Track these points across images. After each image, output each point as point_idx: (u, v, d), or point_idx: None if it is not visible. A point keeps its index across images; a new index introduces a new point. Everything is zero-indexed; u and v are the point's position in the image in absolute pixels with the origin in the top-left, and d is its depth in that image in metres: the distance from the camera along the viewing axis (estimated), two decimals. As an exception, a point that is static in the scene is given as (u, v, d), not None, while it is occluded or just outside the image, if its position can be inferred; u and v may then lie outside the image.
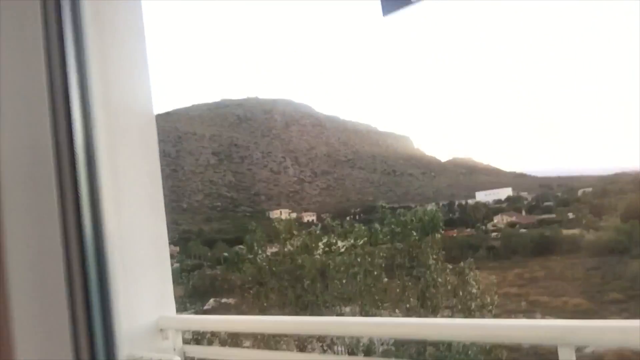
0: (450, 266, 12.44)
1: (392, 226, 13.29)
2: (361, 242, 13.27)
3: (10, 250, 1.40)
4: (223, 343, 9.75)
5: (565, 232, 29.07)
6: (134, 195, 1.84)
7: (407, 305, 12.20)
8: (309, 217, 48.17)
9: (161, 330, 1.89)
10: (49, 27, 1.55)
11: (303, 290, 12.51)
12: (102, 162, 1.69)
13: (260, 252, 13.83)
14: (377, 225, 14.13)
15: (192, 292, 21.93)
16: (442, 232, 13.68)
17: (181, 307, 18.17)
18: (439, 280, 12.23)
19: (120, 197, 1.76)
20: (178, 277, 24.19)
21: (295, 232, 13.56)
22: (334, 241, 13.54)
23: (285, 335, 10.44)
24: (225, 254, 27.40)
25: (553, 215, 39.87)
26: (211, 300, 19.84)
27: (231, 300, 17.70)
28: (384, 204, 15.18)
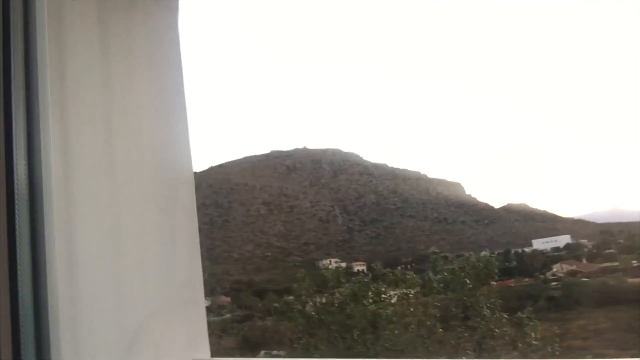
0: (506, 316, 11.84)
1: (445, 274, 12.88)
2: (413, 291, 12.90)
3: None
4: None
5: (630, 280, 27.64)
6: (169, 245, 1.86)
7: (464, 358, 11.62)
8: (359, 266, 47.55)
9: (195, 373, 1.83)
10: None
11: (353, 341, 12.17)
12: (132, 218, 1.72)
13: (309, 301, 13.65)
14: (429, 274, 13.74)
15: (243, 344, 21.80)
16: (498, 280, 13.14)
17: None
18: (497, 331, 11.64)
19: (154, 247, 1.79)
20: (229, 327, 24.16)
21: (343, 281, 13.34)
22: (384, 290, 13.21)
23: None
24: (276, 305, 27.26)
25: (616, 263, 37.88)
26: (262, 353, 19.61)
27: (282, 353, 17.44)
28: (435, 250, 14.80)
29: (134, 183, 1.81)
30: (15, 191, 1.49)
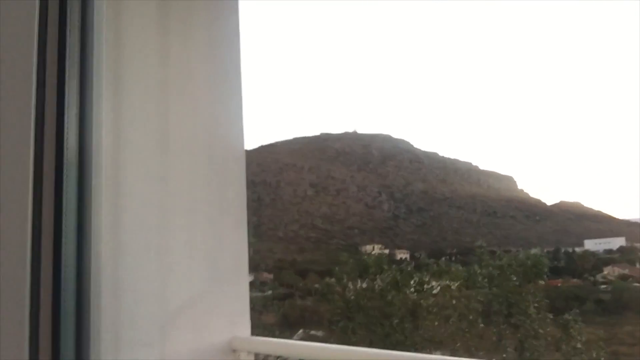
0: (551, 316, 11.50)
1: (491, 269, 12.59)
2: (457, 284, 12.70)
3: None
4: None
5: (685, 287, 26.37)
6: (217, 221, 1.88)
7: (504, 355, 11.39)
8: (402, 254, 47.21)
9: (234, 351, 1.85)
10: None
11: (392, 328, 12.13)
12: (185, 192, 1.76)
13: (350, 285, 13.68)
14: (474, 268, 13.48)
15: (282, 321, 22.13)
16: (546, 279, 12.75)
17: (270, 335, 18.33)
18: (540, 331, 11.33)
19: (202, 223, 1.81)
20: (270, 304, 24.58)
21: (385, 267, 13.28)
22: (427, 280, 13.06)
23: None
24: (317, 286, 27.47)
25: (671, 270, 36.11)
26: (300, 331, 19.87)
27: (319, 333, 17.62)
28: (482, 244, 14.46)
29: (185, 158, 1.83)
30: (65, 160, 1.52)
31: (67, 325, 1.48)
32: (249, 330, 1.94)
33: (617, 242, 53.51)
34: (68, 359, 1.46)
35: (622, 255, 46.77)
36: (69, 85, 1.58)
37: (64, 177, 1.52)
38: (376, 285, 12.94)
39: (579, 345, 11.23)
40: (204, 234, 1.85)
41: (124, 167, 1.69)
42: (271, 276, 38.00)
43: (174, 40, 1.87)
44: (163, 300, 1.72)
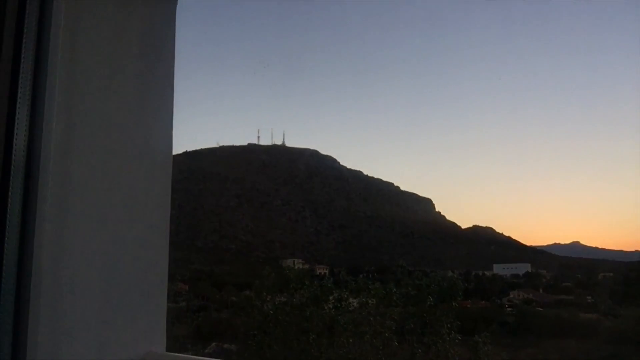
0: (459, 337, 11.89)
1: (409, 288, 12.87)
2: (374, 301, 12.84)
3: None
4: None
5: (582, 315, 28.32)
6: (137, 228, 1.79)
7: (415, 374, 11.62)
8: (321, 269, 47.64)
9: (148, 366, 1.71)
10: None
11: (308, 344, 12.04)
12: (110, 190, 1.71)
13: (268, 299, 13.48)
14: (391, 286, 13.71)
15: (196, 333, 21.52)
16: (458, 301, 13.20)
17: (182, 348, 17.73)
18: (451, 351, 11.66)
19: (119, 228, 1.73)
20: (184, 316, 23.83)
21: (306, 283, 13.22)
22: (346, 297, 13.12)
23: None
24: (233, 298, 27.05)
25: (571, 297, 38.95)
26: (213, 344, 19.36)
27: (233, 347, 17.23)
28: (402, 264, 14.77)
29: (120, 161, 1.78)
30: (13, 160, 1.52)
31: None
32: (164, 346, 1.81)
33: (524, 268, 56.89)
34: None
35: (527, 281, 49.80)
36: (22, 87, 1.57)
37: (11, 176, 1.52)
38: (295, 301, 12.84)
39: (485, 366, 11.67)
40: (125, 241, 1.74)
41: (70, 171, 1.66)
42: (187, 287, 36.98)
43: (122, 46, 1.87)
44: (71, 311, 1.58)
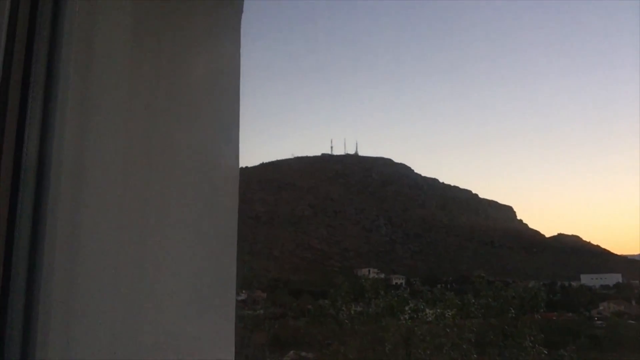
0: (545, 350, 11.31)
1: (489, 299, 12.44)
2: (452, 312, 12.52)
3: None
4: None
5: (678, 328, 26.20)
6: (202, 238, 1.79)
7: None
8: (397, 279, 47.02)
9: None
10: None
11: (384, 354, 11.93)
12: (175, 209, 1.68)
13: (344, 308, 13.51)
14: (470, 297, 13.32)
15: (274, 341, 21.86)
16: (542, 312, 12.61)
17: (260, 355, 18.09)
18: (535, 365, 11.14)
19: (182, 239, 1.72)
20: (262, 323, 24.32)
21: (382, 292, 13.13)
22: (422, 307, 12.90)
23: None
24: (310, 307, 27.22)
25: (667, 309, 35.98)
26: (291, 352, 19.58)
27: (311, 355, 17.35)
28: (482, 274, 14.31)
29: (169, 173, 1.73)
30: (23, 166, 1.45)
31: (13, 333, 1.40)
32: (232, 354, 1.84)
33: (614, 279, 53.22)
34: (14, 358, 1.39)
35: (618, 292, 46.53)
36: (34, 86, 1.51)
37: (21, 183, 1.44)
38: (371, 310, 12.78)
39: (572, 383, 11.04)
40: (191, 251, 1.77)
41: (88, 179, 1.58)
42: (264, 295, 37.75)
43: (170, 51, 1.81)
44: (137, 324, 1.61)
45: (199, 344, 1.75)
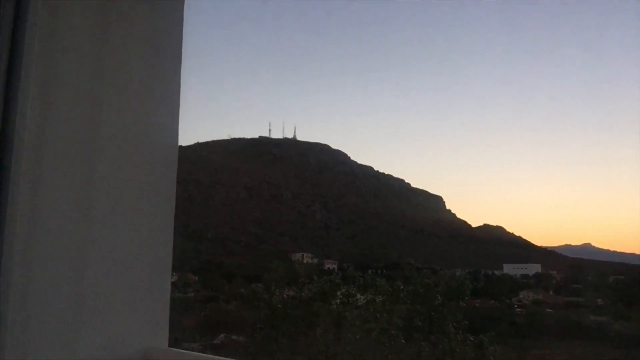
0: (471, 338, 11.85)
1: (418, 286, 12.85)
2: (382, 298, 12.84)
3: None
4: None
5: (592, 317, 28.16)
6: (139, 220, 1.77)
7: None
8: (330, 264, 47.64)
9: (148, 362, 1.72)
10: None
11: (315, 338, 12.09)
12: (111, 183, 1.68)
13: (277, 293, 13.54)
14: (399, 283, 13.70)
15: (204, 324, 21.65)
16: (467, 299, 13.18)
17: (190, 338, 17.88)
18: (458, 350, 11.64)
19: (119, 220, 1.70)
20: (192, 306, 23.98)
21: (315, 277, 13.26)
22: (353, 293, 13.15)
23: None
24: (242, 290, 27.15)
25: (581, 299, 38.69)
26: (222, 336, 19.48)
27: (241, 339, 17.33)
28: (411, 262, 14.75)
29: (114, 154, 1.74)
30: None
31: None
32: (166, 341, 1.81)
33: (534, 268, 56.53)
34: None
35: (537, 281, 49.49)
36: None
37: None
38: (303, 295, 12.89)
39: (492, 367, 11.62)
40: (128, 234, 1.73)
41: (46, 162, 1.60)
42: (196, 278, 37.20)
43: (113, 32, 1.82)
44: (75, 304, 1.58)
45: (134, 331, 1.73)
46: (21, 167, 1.50)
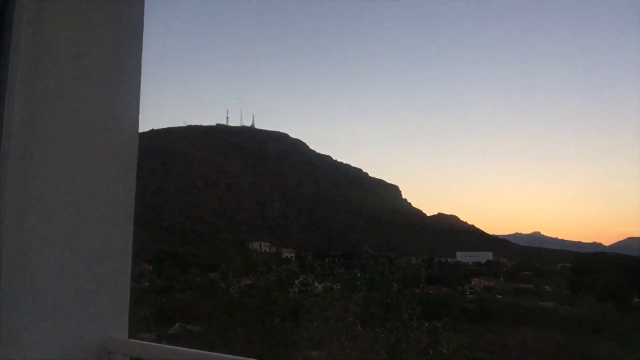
0: (426, 324, 12.11)
1: (374, 274, 13.01)
2: (339, 286, 12.94)
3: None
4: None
5: (540, 303, 29.31)
6: (100, 210, 1.75)
7: (377, 358, 11.80)
8: (288, 253, 47.72)
9: (109, 352, 1.68)
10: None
11: (272, 327, 12.08)
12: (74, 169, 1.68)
13: (234, 282, 13.44)
14: (356, 271, 13.83)
15: (159, 314, 21.35)
16: (421, 287, 13.43)
17: (145, 328, 17.57)
18: (412, 336, 11.88)
19: (79, 209, 1.69)
20: (147, 296, 23.57)
21: (273, 266, 13.21)
22: (311, 281, 13.19)
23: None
24: (198, 280, 26.93)
25: (530, 285, 40.36)
26: (177, 325, 19.25)
27: (197, 328, 17.17)
28: (368, 250, 14.92)
29: (85, 143, 1.77)
30: None
31: None
32: (126, 332, 1.78)
33: (485, 256, 58.33)
34: None
35: (488, 269, 51.10)
36: None
37: None
38: (261, 284, 12.83)
39: (444, 351, 11.91)
40: (87, 224, 1.70)
41: (32, 152, 1.64)
42: (150, 267, 36.56)
43: (88, 30, 1.83)
44: (32, 295, 1.54)
45: (93, 322, 1.69)
46: (8, 163, 1.59)
